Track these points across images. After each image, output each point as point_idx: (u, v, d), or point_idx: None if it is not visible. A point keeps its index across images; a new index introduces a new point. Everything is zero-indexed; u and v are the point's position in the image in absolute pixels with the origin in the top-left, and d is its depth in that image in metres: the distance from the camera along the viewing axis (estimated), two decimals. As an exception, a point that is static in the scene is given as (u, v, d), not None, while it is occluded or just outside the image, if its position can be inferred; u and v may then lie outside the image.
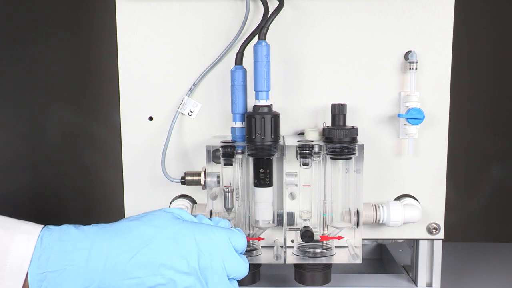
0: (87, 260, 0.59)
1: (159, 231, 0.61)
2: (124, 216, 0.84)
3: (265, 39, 0.73)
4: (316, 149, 0.75)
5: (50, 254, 0.59)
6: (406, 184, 0.82)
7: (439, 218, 0.83)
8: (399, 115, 0.79)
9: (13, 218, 0.61)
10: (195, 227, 0.62)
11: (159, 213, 0.64)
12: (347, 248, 0.79)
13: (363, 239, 0.79)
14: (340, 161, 0.75)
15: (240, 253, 0.65)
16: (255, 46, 0.73)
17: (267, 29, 0.74)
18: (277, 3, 0.76)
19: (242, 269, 0.63)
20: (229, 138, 0.77)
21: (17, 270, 0.58)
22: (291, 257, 0.78)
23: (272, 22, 0.74)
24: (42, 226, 0.61)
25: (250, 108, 0.76)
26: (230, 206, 0.76)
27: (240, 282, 0.79)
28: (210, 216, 0.76)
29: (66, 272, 0.59)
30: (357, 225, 0.76)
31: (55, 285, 0.59)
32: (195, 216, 0.67)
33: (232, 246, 0.63)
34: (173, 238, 0.61)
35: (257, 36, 0.74)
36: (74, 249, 0.59)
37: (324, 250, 0.78)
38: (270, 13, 0.75)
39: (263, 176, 0.75)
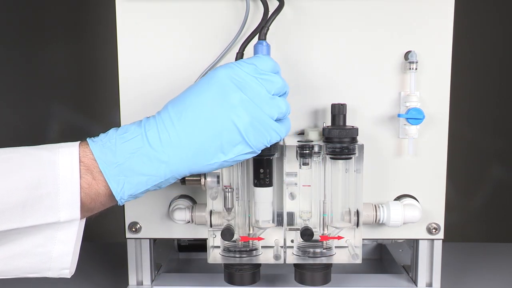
0: (147, 142, 0.61)
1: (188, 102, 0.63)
2: (124, 217, 0.84)
3: (265, 39, 0.73)
4: (316, 149, 0.75)
5: (115, 149, 0.61)
6: (406, 184, 0.82)
7: (439, 218, 0.83)
8: (399, 115, 0.79)
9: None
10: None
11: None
12: (347, 248, 0.79)
13: (363, 239, 0.79)
14: (340, 161, 0.75)
15: (270, 72, 0.65)
16: (255, 46, 0.73)
17: (267, 29, 0.73)
18: (277, 3, 0.76)
19: (275, 82, 0.64)
20: (229, 138, 0.77)
21: (69, 180, 0.59)
22: (291, 257, 0.78)
23: (272, 22, 0.74)
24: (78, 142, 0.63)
25: (250, 108, 0.76)
26: (230, 206, 0.76)
27: (240, 282, 0.79)
28: (210, 216, 0.76)
29: (134, 158, 0.61)
30: (357, 225, 0.76)
31: (130, 173, 0.61)
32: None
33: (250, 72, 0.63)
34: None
35: (257, 36, 0.74)
36: (131, 136, 0.62)
37: (324, 250, 0.78)
38: (270, 13, 0.75)
39: (263, 176, 0.75)
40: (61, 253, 0.61)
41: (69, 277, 0.64)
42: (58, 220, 0.59)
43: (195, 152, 0.62)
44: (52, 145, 0.62)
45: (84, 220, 0.63)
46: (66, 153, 0.60)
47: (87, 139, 0.63)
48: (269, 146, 0.65)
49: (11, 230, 0.57)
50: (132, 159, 0.61)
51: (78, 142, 0.63)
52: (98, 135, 0.64)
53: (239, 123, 0.62)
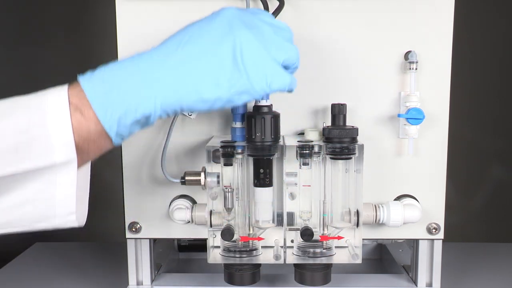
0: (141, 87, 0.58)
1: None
2: (124, 218, 0.85)
3: (265, 39, 0.73)
4: (316, 149, 0.75)
5: (103, 78, 0.58)
6: (406, 184, 0.82)
7: (439, 218, 0.83)
8: (399, 115, 0.79)
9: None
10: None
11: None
12: (347, 248, 0.79)
13: (363, 239, 0.79)
14: (340, 161, 0.75)
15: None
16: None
17: (267, 29, 0.73)
18: (277, 3, 0.76)
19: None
20: (229, 138, 0.77)
21: (59, 120, 0.57)
22: (291, 257, 0.78)
23: (272, 22, 0.74)
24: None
25: (250, 108, 0.76)
26: (230, 206, 0.76)
27: (240, 282, 0.79)
28: (210, 216, 0.76)
29: (123, 84, 0.58)
30: (357, 225, 0.76)
31: (119, 100, 0.58)
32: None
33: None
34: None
35: (257, 36, 0.74)
36: (122, 64, 0.59)
37: (324, 250, 0.78)
38: (270, 13, 0.75)
39: (263, 176, 0.75)
40: (64, 196, 0.58)
41: (77, 225, 0.60)
42: (54, 163, 0.56)
43: (187, 82, 0.59)
44: (40, 91, 0.60)
45: (88, 167, 0.61)
46: (54, 95, 0.58)
47: (78, 76, 0.60)
48: (269, 91, 0.60)
49: (8, 177, 0.56)
50: (121, 86, 0.58)
51: (67, 84, 0.59)
52: None
53: (239, 58, 0.58)
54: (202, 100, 0.59)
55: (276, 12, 0.74)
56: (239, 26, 0.60)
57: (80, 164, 0.58)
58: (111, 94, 0.58)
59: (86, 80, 0.59)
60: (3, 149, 0.55)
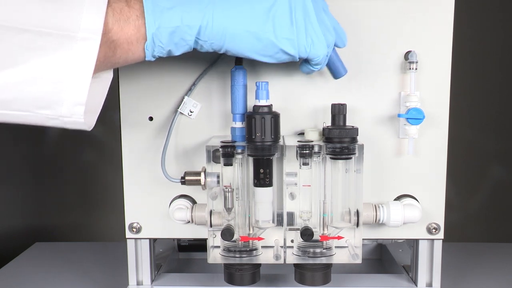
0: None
1: None
2: (124, 217, 0.85)
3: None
4: (316, 149, 0.75)
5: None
6: (406, 184, 0.82)
7: (439, 218, 0.83)
8: (399, 115, 0.79)
9: None
10: None
11: None
12: (347, 248, 0.79)
13: (363, 239, 0.79)
14: (340, 161, 0.75)
15: None
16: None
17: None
18: None
19: None
20: (229, 138, 0.77)
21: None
22: (291, 257, 0.78)
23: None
24: None
25: (250, 108, 0.76)
26: (230, 206, 0.76)
27: (240, 282, 0.79)
28: (210, 216, 0.76)
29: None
30: (357, 225, 0.76)
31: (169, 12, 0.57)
32: None
33: None
34: None
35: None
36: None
37: (324, 250, 0.78)
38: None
39: (263, 176, 0.75)
40: (76, 79, 0.52)
41: (82, 122, 0.54)
42: (78, 29, 0.50)
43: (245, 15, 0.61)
44: None
45: (109, 79, 0.58)
46: None
47: None
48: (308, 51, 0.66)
49: (23, 38, 0.49)
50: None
51: None
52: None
53: (294, 13, 0.63)
54: (249, 32, 0.61)
55: None
56: None
57: (102, 60, 0.53)
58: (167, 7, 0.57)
59: None
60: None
